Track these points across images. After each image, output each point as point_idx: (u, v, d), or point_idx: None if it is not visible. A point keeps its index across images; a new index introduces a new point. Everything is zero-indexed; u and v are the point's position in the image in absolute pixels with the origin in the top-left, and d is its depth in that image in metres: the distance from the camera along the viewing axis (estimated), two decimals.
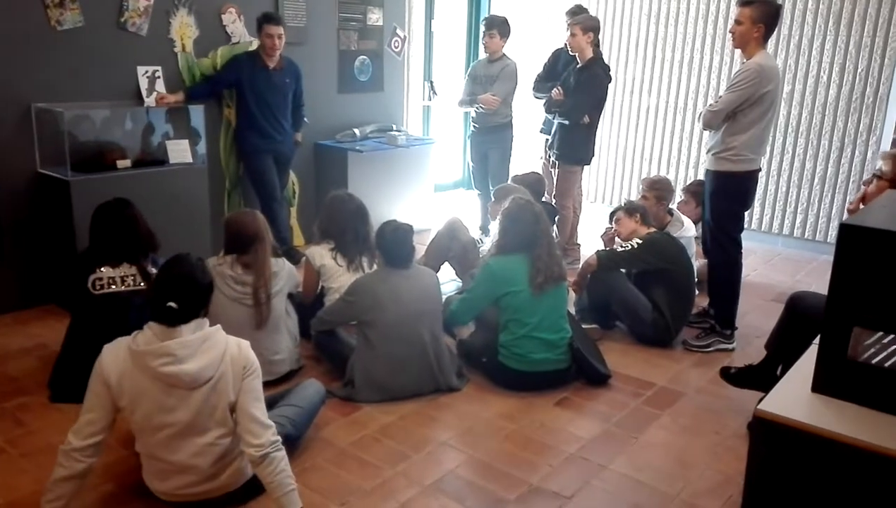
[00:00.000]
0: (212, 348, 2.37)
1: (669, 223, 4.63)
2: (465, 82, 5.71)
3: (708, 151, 3.94)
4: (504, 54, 5.46)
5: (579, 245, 5.63)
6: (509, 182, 4.90)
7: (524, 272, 3.51)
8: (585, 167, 5.54)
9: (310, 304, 3.84)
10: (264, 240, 3.41)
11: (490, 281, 3.59)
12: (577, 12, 5.45)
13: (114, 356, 2.36)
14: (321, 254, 3.83)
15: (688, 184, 5.61)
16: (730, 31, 3.84)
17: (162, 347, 2.31)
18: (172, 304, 2.32)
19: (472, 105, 5.51)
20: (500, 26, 5.38)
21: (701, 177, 6.06)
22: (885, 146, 5.65)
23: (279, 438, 2.39)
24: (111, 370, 2.34)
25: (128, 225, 3.32)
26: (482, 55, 5.65)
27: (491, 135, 5.55)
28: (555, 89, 5.23)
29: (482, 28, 5.47)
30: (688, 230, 4.61)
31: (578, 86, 5.07)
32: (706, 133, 4.13)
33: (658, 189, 4.70)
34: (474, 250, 4.54)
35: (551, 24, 6.75)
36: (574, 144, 5.23)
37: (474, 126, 5.64)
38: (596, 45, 5.18)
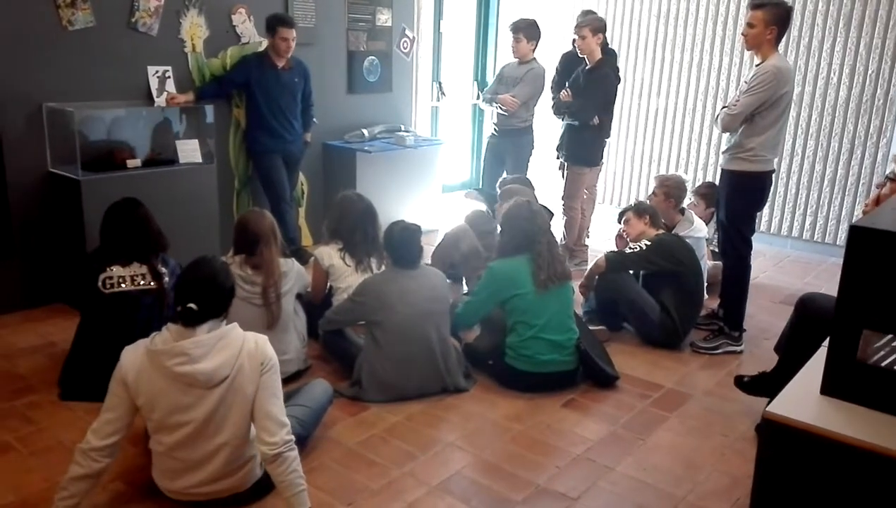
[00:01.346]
0: (227, 346, 2.38)
1: (679, 222, 4.62)
2: (493, 82, 5.71)
3: (724, 151, 3.94)
4: (534, 58, 5.41)
5: (587, 246, 5.62)
6: (496, 188, 4.90)
7: (528, 273, 3.51)
8: (597, 169, 5.54)
9: (318, 304, 3.84)
10: (271, 241, 3.42)
11: (494, 284, 3.60)
12: (588, 15, 5.47)
13: (133, 356, 2.39)
14: (330, 255, 3.84)
15: (697, 186, 5.59)
16: (741, 34, 3.82)
17: (176, 347, 2.33)
18: (193, 306, 2.34)
19: (491, 104, 5.50)
20: (525, 29, 5.33)
21: (710, 178, 6.08)
22: (895, 148, 5.62)
23: (293, 437, 2.40)
24: (129, 370, 2.37)
25: (139, 224, 3.33)
26: (511, 58, 5.58)
27: (509, 138, 5.51)
28: (563, 91, 5.23)
29: (510, 32, 5.41)
30: (697, 230, 4.58)
31: (588, 86, 5.07)
32: (717, 135, 4.12)
33: (667, 186, 4.67)
34: (476, 259, 4.51)
35: (559, 26, 6.73)
36: (583, 145, 5.22)
37: (495, 129, 5.61)
38: (605, 44, 5.16)
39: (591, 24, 5.02)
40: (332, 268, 3.82)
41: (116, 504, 2.61)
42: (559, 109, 5.25)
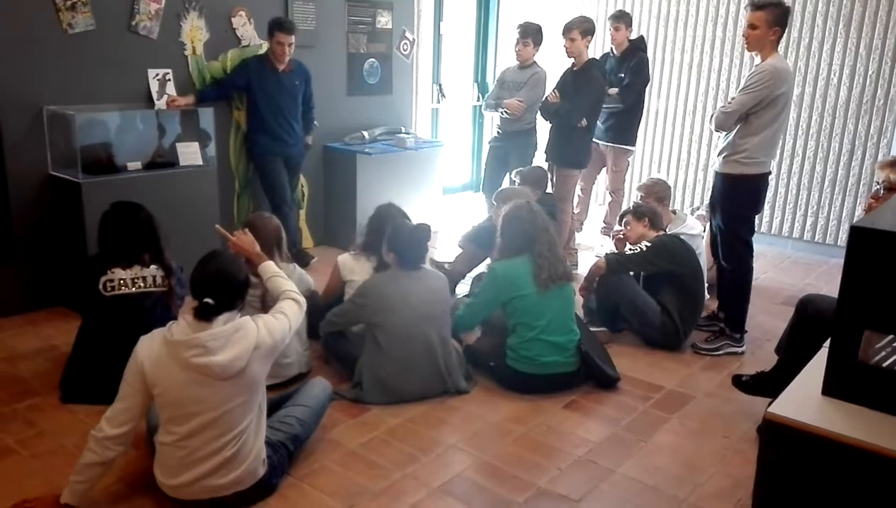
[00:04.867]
0: (242, 339, 2.43)
1: (672, 221, 4.63)
2: (493, 86, 5.70)
3: (719, 154, 3.93)
4: (535, 62, 5.42)
5: (576, 250, 5.59)
6: (513, 176, 4.90)
7: (529, 273, 3.51)
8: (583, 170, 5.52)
9: (321, 307, 3.83)
10: (273, 246, 3.42)
11: (496, 285, 3.59)
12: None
13: (149, 346, 2.43)
14: (352, 270, 3.73)
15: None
16: (743, 36, 3.80)
17: (194, 338, 2.36)
18: (209, 300, 2.39)
19: (496, 109, 5.49)
20: (534, 35, 5.32)
21: (709, 179, 6.06)
22: (895, 150, 5.62)
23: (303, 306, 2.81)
24: (146, 359, 2.40)
25: (145, 226, 3.34)
26: (513, 61, 5.56)
27: (514, 140, 5.49)
28: (550, 92, 5.21)
29: (516, 35, 5.37)
30: (690, 228, 4.57)
31: (578, 88, 5.06)
32: (716, 136, 4.11)
33: (655, 191, 4.72)
34: None
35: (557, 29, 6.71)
36: (571, 147, 5.20)
37: (498, 131, 5.60)
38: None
39: (580, 26, 5.04)
40: (350, 284, 3.71)
41: (115, 503, 2.61)
42: (547, 112, 5.23)
